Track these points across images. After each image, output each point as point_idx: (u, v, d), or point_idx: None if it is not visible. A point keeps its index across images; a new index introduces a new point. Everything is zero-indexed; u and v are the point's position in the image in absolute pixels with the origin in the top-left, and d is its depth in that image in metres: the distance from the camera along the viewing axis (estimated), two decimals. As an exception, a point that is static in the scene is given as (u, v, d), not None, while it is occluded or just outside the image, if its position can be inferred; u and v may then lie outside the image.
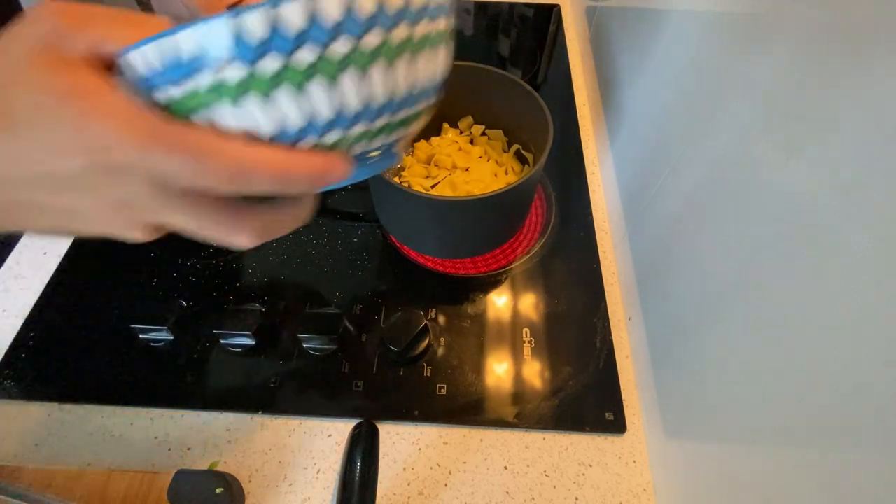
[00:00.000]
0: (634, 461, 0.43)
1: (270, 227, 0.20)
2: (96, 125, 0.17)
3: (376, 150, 0.21)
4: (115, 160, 0.17)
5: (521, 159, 0.56)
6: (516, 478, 0.42)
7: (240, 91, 0.17)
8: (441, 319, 0.50)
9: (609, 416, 0.44)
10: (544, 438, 0.44)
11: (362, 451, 0.36)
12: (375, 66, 0.18)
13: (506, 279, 0.53)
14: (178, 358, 0.47)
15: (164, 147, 0.17)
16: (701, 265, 0.38)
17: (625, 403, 0.45)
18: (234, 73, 0.17)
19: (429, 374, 0.46)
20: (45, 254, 0.55)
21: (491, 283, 0.52)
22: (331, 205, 0.59)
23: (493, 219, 0.49)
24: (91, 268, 0.53)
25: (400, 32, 0.18)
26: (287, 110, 0.18)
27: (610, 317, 0.50)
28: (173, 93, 0.17)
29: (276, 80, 0.17)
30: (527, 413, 0.44)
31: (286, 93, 0.17)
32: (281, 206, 0.21)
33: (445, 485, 0.42)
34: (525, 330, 0.49)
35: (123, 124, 0.17)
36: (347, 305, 0.50)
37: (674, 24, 0.47)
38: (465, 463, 0.43)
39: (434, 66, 0.21)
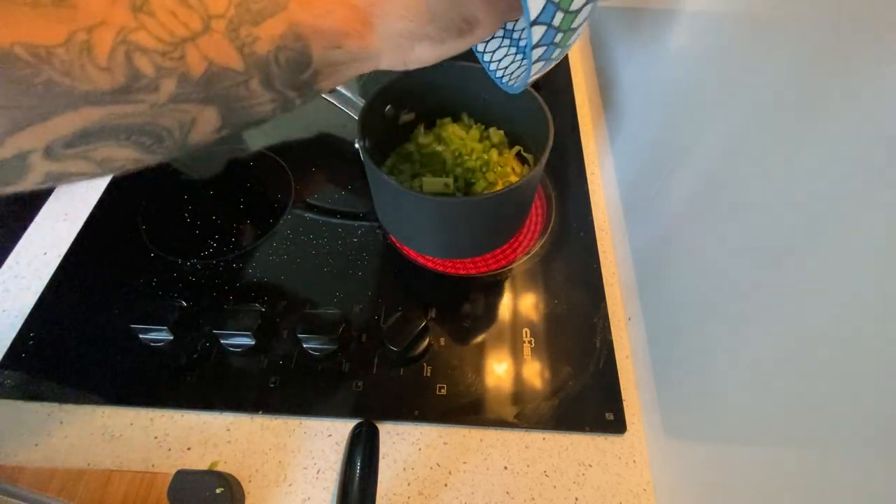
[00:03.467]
0: (634, 461, 0.43)
1: None
2: None
3: None
4: None
5: (522, 160, 0.56)
6: (516, 478, 0.42)
7: None
8: (441, 319, 0.50)
9: (609, 416, 0.44)
10: (544, 438, 0.44)
11: (362, 452, 0.36)
12: None
13: (506, 279, 0.53)
14: (178, 358, 0.47)
15: None
16: (701, 265, 0.38)
17: (625, 403, 0.45)
18: None
19: (429, 374, 0.46)
20: (45, 254, 0.55)
21: (491, 283, 0.52)
22: (331, 205, 0.59)
23: (493, 219, 0.49)
24: (91, 268, 0.54)
25: None
26: None
27: (610, 317, 0.50)
28: None
29: None
30: (527, 413, 0.44)
31: None
32: None
33: (445, 485, 0.42)
34: (525, 330, 0.49)
35: None
36: (347, 305, 0.50)
37: (674, 25, 0.47)
38: (465, 463, 0.43)
39: None
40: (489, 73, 0.36)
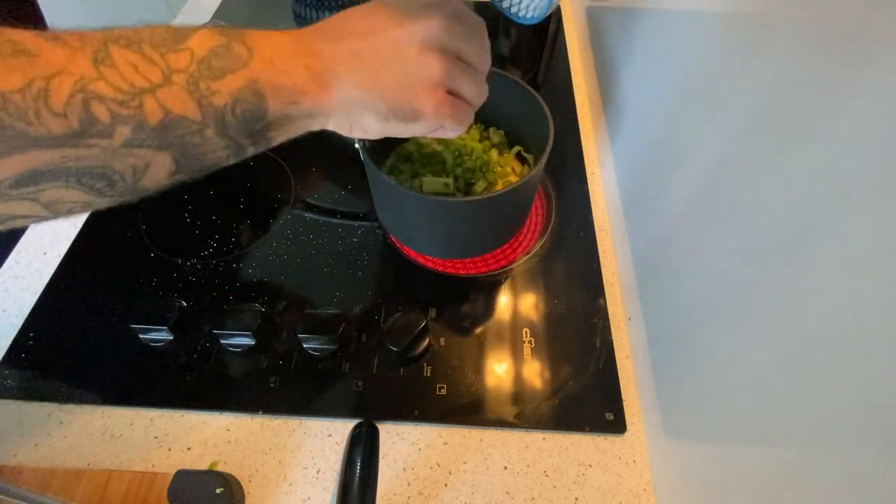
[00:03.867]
0: (634, 461, 0.43)
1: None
2: None
3: None
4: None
5: (522, 160, 0.56)
6: (516, 478, 0.42)
7: None
8: (441, 319, 0.50)
9: (609, 416, 0.44)
10: (544, 438, 0.44)
11: (362, 452, 0.36)
12: None
13: (506, 279, 0.53)
14: (178, 358, 0.47)
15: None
16: (701, 265, 0.38)
17: (625, 403, 0.45)
18: None
19: (429, 374, 0.46)
20: (45, 254, 0.55)
21: (491, 283, 0.52)
22: (331, 205, 0.59)
23: (493, 219, 0.49)
24: (91, 268, 0.53)
25: None
26: None
27: (610, 317, 0.50)
28: None
29: None
30: (527, 413, 0.44)
31: None
32: None
33: (445, 485, 0.42)
34: (525, 330, 0.49)
35: None
36: (347, 305, 0.50)
37: (673, 25, 0.47)
38: (465, 463, 0.43)
39: None
40: (501, 9, 0.36)
